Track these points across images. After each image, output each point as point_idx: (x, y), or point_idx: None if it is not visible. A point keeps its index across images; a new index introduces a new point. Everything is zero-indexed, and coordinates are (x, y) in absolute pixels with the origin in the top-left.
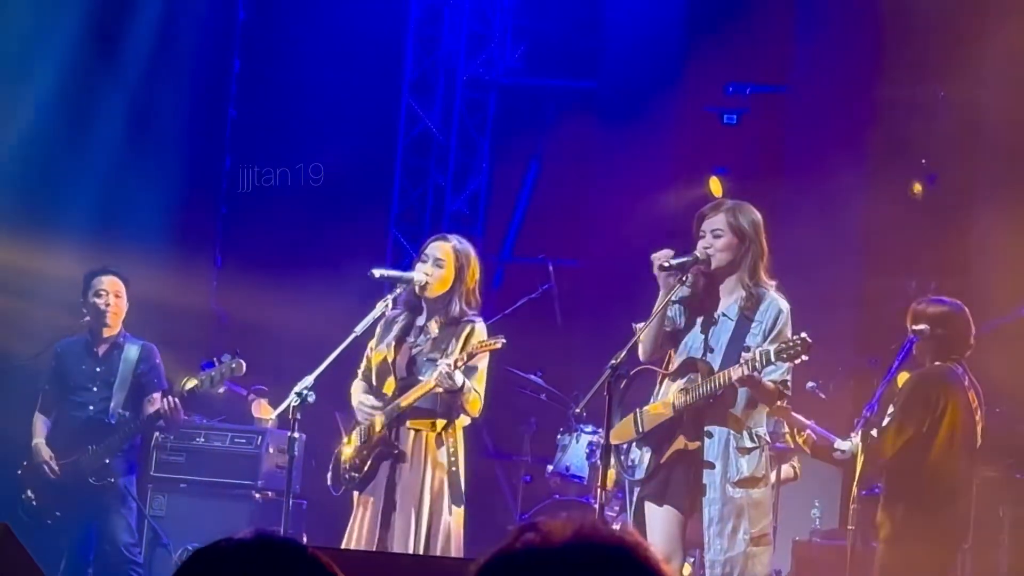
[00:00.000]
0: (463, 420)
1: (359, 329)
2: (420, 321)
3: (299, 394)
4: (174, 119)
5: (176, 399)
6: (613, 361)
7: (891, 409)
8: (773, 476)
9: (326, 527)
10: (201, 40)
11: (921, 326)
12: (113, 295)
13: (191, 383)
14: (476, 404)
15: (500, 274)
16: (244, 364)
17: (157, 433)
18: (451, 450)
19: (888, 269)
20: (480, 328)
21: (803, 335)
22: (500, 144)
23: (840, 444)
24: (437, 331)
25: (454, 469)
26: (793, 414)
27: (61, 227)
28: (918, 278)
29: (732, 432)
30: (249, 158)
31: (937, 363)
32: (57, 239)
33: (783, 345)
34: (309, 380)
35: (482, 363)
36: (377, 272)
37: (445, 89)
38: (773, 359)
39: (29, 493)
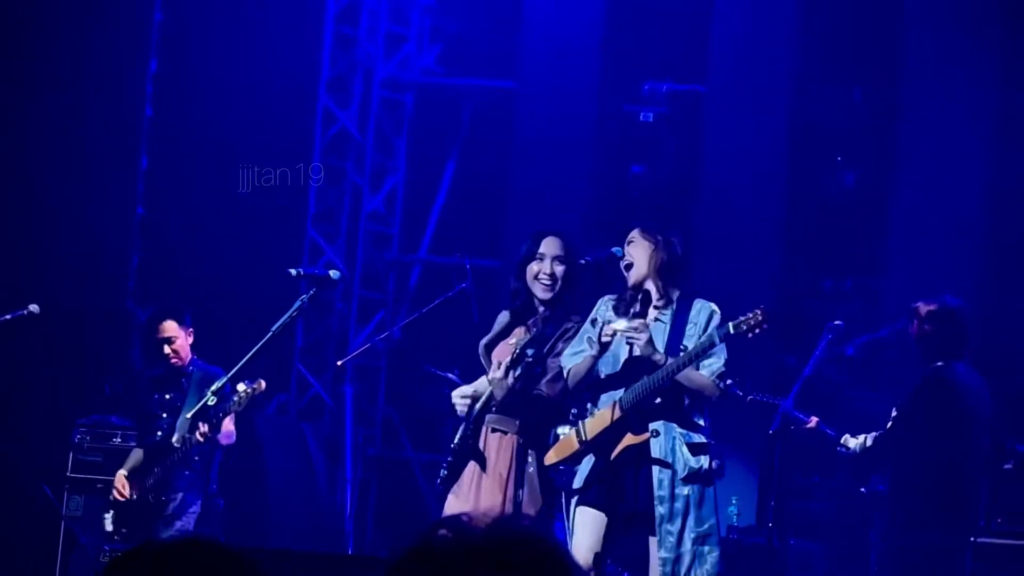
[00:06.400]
0: None
1: (276, 328)
2: None
3: (215, 393)
4: (90, 119)
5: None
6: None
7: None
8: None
9: (243, 526)
10: (118, 40)
11: (917, 324)
12: (172, 347)
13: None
14: None
15: (417, 273)
16: (264, 383)
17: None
18: None
19: (804, 266)
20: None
21: (761, 307)
22: (417, 144)
23: (847, 440)
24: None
25: None
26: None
27: None
28: (834, 276)
29: (678, 428)
30: (166, 158)
31: (939, 363)
32: None
33: (741, 319)
34: (225, 379)
35: None
36: (293, 271)
37: (362, 89)
38: (732, 331)
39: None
